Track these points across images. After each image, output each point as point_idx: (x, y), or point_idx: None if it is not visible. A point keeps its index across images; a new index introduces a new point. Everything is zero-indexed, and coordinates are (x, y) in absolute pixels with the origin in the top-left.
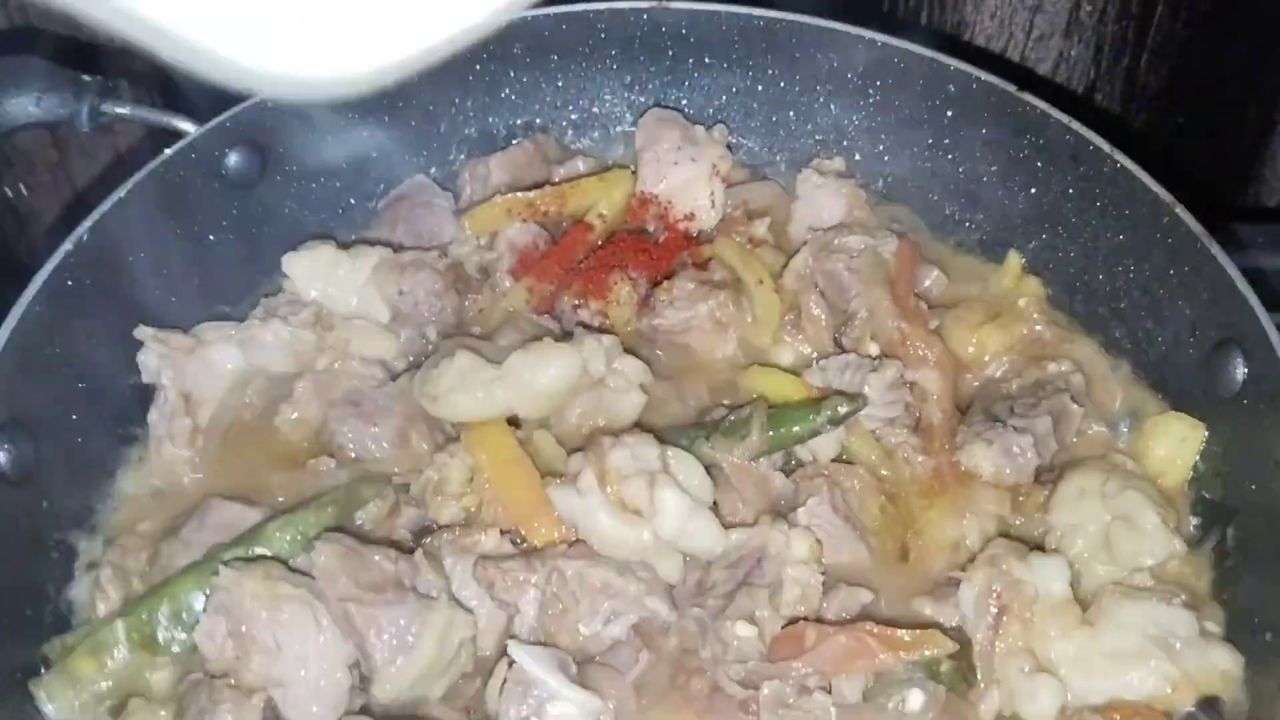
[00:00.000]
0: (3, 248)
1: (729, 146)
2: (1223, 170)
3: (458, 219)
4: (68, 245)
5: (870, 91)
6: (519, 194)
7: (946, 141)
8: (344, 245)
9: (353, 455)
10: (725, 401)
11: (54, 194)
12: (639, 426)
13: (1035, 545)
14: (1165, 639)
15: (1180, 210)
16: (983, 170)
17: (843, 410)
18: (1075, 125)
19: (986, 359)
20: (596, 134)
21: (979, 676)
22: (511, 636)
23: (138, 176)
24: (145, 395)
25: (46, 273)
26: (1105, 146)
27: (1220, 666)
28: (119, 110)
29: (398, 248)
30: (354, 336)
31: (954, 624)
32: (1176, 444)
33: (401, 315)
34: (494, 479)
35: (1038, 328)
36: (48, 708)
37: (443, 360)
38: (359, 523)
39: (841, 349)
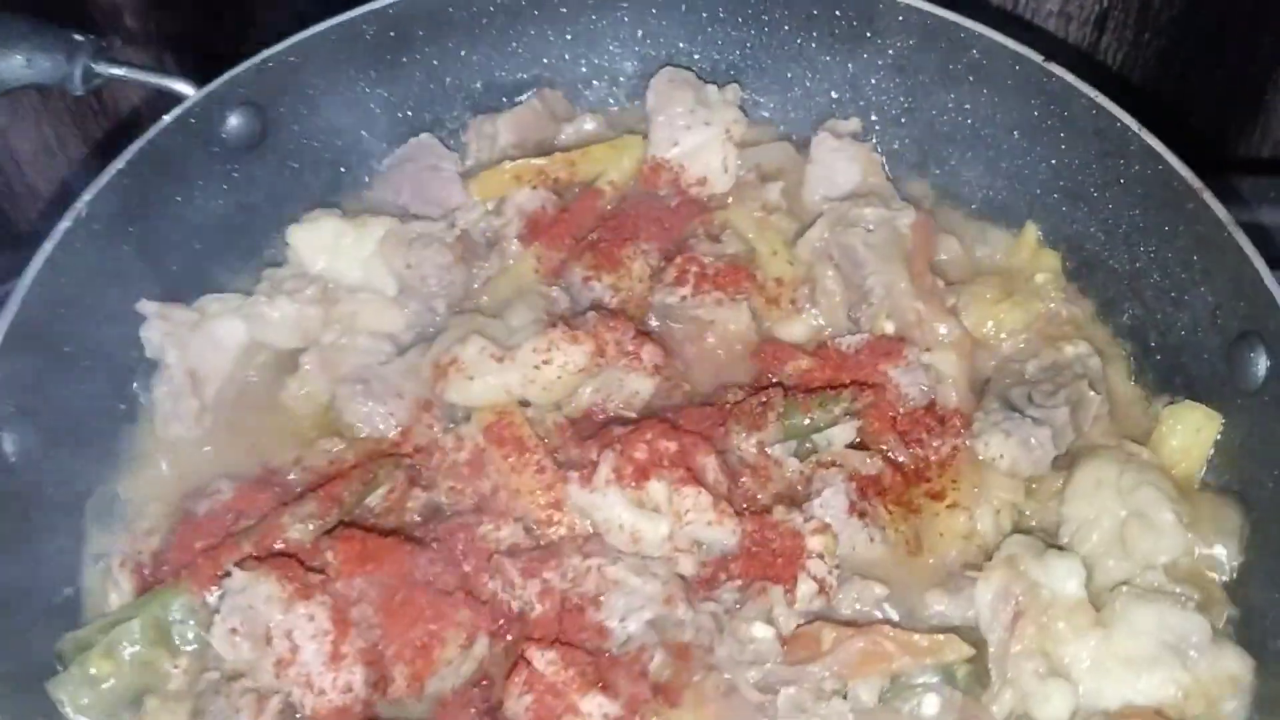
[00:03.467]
0: None
1: (742, 106)
2: (1226, 118)
3: (464, 183)
4: (65, 222)
5: (889, 52)
6: (528, 160)
7: (966, 106)
8: (349, 214)
9: (362, 435)
10: (741, 384)
11: (48, 163)
12: (652, 408)
13: (1049, 535)
14: (1179, 645)
15: (1208, 196)
16: (1003, 138)
17: (860, 403)
18: (1101, 99)
19: (1003, 337)
20: (606, 89)
21: (993, 677)
22: (527, 636)
23: (135, 146)
24: (150, 372)
25: (46, 253)
26: (1133, 125)
27: (1230, 671)
28: (113, 72)
29: (403, 213)
30: (360, 310)
31: (968, 615)
32: (1191, 434)
33: (409, 288)
34: (508, 470)
35: (1054, 306)
36: (65, 708)
37: (454, 344)
38: (369, 504)
39: (857, 326)
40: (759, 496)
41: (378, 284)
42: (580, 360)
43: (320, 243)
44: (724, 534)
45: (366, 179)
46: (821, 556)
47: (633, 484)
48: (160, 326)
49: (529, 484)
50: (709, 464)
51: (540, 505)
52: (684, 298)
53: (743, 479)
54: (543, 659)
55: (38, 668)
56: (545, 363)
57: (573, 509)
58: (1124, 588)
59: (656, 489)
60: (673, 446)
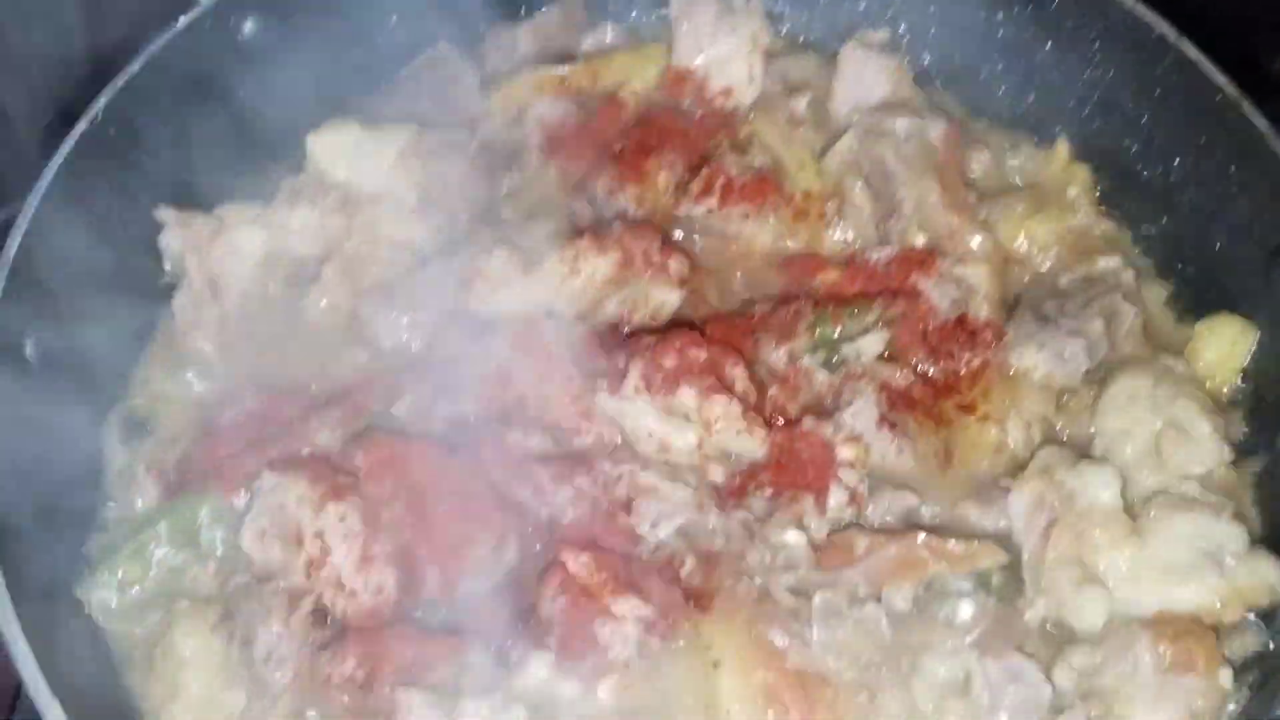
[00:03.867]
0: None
1: (768, 16)
2: (1254, 40)
3: (484, 93)
4: (81, 125)
5: None
6: (548, 69)
7: (998, 16)
8: (367, 123)
9: (386, 345)
10: (769, 297)
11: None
12: (678, 319)
13: (1081, 448)
14: (1216, 553)
15: (1247, 107)
16: (1036, 49)
17: (892, 312)
18: (1140, 9)
19: (1035, 252)
20: None
21: (1027, 585)
22: (559, 540)
23: (150, 50)
24: (170, 280)
25: (61, 156)
26: (1172, 34)
27: (1268, 579)
28: None
29: (422, 122)
30: (381, 220)
31: (1001, 526)
32: (1227, 346)
33: (430, 199)
34: (535, 379)
35: (1086, 219)
36: (93, 610)
37: (479, 254)
38: (395, 414)
39: (885, 239)
40: (788, 408)
41: (399, 194)
42: (607, 270)
43: (340, 151)
44: (753, 443)
45: (385, 88)
46: (853, 466)
47: (662, 392)
48: (179, 234)
49: (557, 393)
50: (738, 374)
51: (568, 414)
52: (710, 210)
53: (771, 390)
54: (576, 561)
55: (66, 571)
56: (572, 273)
57: (601, 417)
58: (1159, 497)
59: (686, 397)
60: (702, 355)
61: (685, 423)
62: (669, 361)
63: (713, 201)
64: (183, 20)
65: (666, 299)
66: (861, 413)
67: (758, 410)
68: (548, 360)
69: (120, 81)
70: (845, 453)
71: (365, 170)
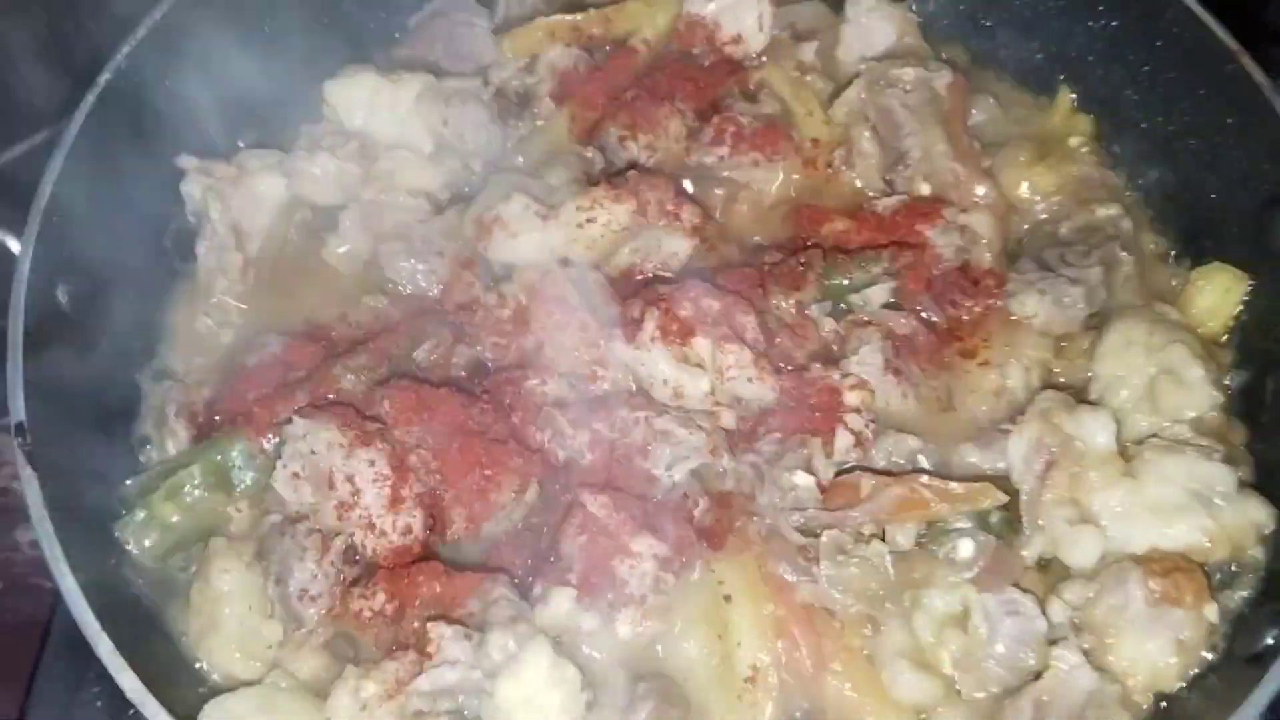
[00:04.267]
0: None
1: None
2: None
3: (496, 40)
4: (106, 74)
5: None
6: (561, 16)
7: None
8: (384, 70)
9: (405, 292)
10: (778, 246)
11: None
12: (689, 270)
13: (1078, 392)
14: (1205, 493)
15: (1245, 59)
16: (1039, 0)
17: (899, 263)
18: None
19: (1037, 200)
20: None
21: (1025, 524)
22: (580, 482)
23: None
24: (192, 228)
25: (88, 106)
26: None
27: (1253, 519)
28: None
29: (436, 69)
30: (398, 167)
31: (999, 466)
32: (1220, 294)
33: (445, 146)
34: (552, 327)
35: (1087, 168)
36: (131, 548)
37: (497, 202)
38: (416, 359)
39: (891, 188)
40: (795, 355)
41: (414, 141)
42: (624, 218)
43: (357, 99)
44: (764, 390)
45: (397, 35)
46: (858, 410)
47: (677, 340)
48: (201, 181)
49: (573, 340)
50: (748, 323)
51: (584, 361)
52: (722, 158)
53: (779, 339)
54: (595, 502)
55: (103, 511)
56: (589, 220)
57: (616, 365)
58: (1152, 440)
59: (701, 346)
60: (715, 305)
61: (698, 370)
62: (684, 311)
63: (724, 149)
64: None
65: (679, 248)
66: (867, 359)
67: (768, 358)
68: (564, 308)
69: (140, 34)
70: (851, 398)
71: (382, 118)
